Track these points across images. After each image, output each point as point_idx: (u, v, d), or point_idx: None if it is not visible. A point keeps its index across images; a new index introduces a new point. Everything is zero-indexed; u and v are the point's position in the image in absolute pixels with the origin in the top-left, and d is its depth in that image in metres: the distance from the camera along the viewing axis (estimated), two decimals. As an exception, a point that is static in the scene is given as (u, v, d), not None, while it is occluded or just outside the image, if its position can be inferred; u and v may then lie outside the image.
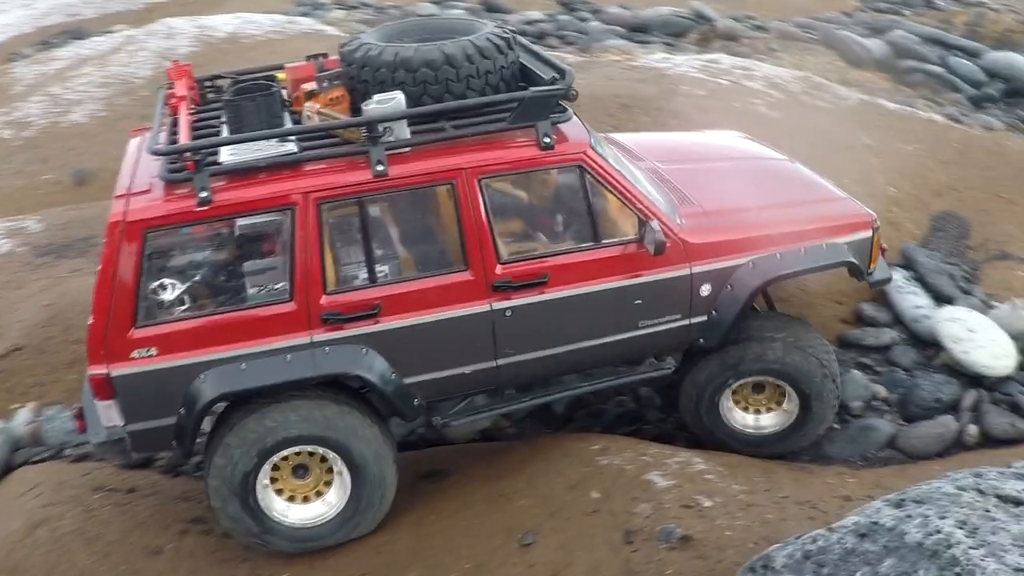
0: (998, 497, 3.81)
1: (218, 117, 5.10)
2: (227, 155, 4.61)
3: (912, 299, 6.83)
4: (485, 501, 5.19)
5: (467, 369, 4.97)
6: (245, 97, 4.78)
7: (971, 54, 11.78)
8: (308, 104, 4.90)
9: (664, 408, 6.22)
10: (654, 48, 11.95)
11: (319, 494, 5.03)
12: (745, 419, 5.66)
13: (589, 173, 4.90)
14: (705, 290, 5.16)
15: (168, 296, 4.65)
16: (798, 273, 5.42)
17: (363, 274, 4.82)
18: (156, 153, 4.53)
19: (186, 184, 4.53)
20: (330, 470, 5.00)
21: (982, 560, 3.35)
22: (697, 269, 5.12)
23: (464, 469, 5.56)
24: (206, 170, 4.48)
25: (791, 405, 5.58)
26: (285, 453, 4.86)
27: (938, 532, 3.49)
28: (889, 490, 5.33)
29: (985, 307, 6.84)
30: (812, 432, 5.68)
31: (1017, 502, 3.79)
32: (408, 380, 4.91)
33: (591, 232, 4.99)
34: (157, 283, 4.63)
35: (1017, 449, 5.67)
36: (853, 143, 8.45)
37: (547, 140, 4.78)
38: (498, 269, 4.84)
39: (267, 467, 4.86)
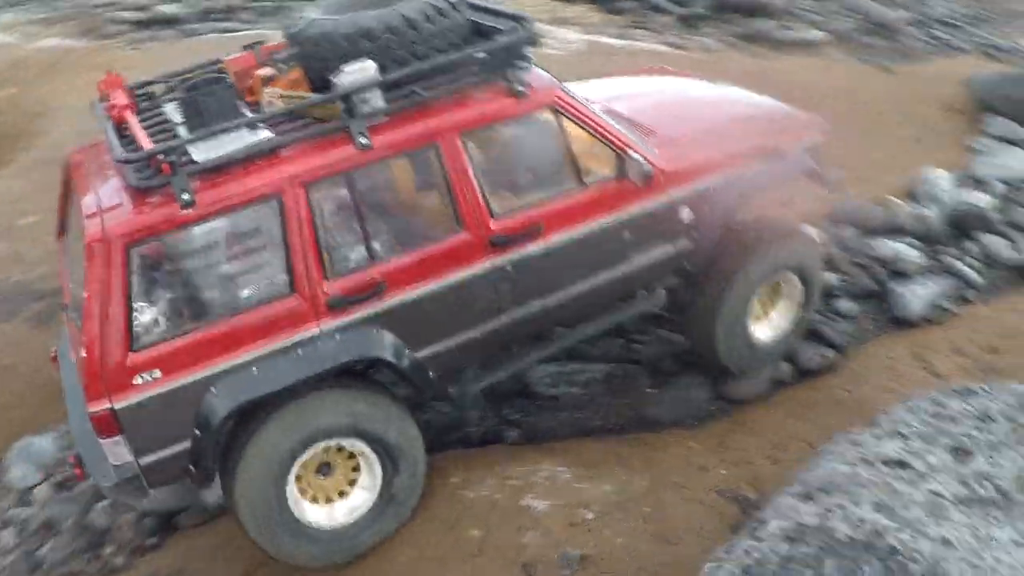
0: (884, 463, 3.98)
1: (165, 120, 4.79)
2: (198, 154, 4.30)
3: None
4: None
5: (476, 332, 4.93)
6: (204, 91, 4.49)
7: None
8: (268, 90, 4.69)
9: (483, 405, 6.03)
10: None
11: (344, 493, 4.88)
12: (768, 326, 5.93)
13: (564, 114, 4.94)
14: (686, 214, 5.30)
15: (163, 312, 4.34)
16: (771, 185, 5.65)
17: (362, 253, 4.64)
18: (127, 161, 4.19)
19: (159, 190, 4.22)
20: (354, 463, 4.85)
21: (913, 542, 3.47)
22: (676, 194, 5.24)
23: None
24: (183, 171, 4.16)
25: (790, 288, 5.86)
26: (308, 455, 4.64)
27: (862, 522, 3.59)
28: (733, 449, 5.53)
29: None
30: (811, 310, 6.02)
31: (901, 463, 3.98)
32: (420, 354, 4.79)
33: (574, 174, 5.03)
34: (149, 300, 4.32)
35: (830, 378, 6.03)
36: (593, 89, 8.42)
37: (519, 88, 4.80)
38: (492, 224, 4.79)
39: (293, 473, 4.62)
